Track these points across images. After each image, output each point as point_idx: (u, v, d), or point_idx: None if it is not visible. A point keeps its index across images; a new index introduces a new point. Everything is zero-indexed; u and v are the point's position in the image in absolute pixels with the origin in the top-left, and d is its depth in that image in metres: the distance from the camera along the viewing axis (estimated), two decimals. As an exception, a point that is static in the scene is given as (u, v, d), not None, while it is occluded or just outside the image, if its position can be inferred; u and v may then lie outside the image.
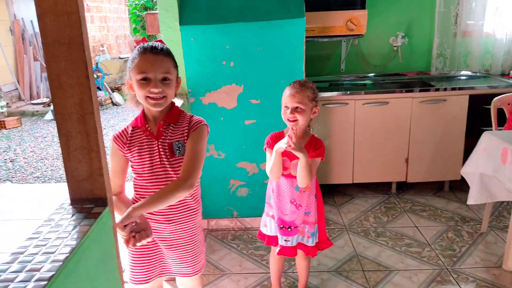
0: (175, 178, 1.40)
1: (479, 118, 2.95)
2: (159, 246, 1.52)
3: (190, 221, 1.50)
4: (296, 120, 1.71)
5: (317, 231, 1.88)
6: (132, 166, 1.46)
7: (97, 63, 8.02)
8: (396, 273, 2.27)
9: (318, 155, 1.75)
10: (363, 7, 2.95)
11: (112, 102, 7.76)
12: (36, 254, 0.87)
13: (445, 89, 2.98)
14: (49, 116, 6.84)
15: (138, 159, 1.42)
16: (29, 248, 0.89)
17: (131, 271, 1.54)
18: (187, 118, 1.46)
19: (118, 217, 1.29)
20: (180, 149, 1.41)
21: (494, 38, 3.34)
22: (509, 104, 2.38)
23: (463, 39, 3.34)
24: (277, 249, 1.88)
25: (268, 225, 1.92)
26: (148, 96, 1.34)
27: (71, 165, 1.08)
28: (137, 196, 1.48)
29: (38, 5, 0.94)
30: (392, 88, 3.11)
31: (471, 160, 2.05)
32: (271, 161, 1.77)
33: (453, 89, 2.98)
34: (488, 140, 1.94)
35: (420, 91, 2.98)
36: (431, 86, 3.05)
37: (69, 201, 1.12)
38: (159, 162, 1.41)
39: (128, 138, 1.43)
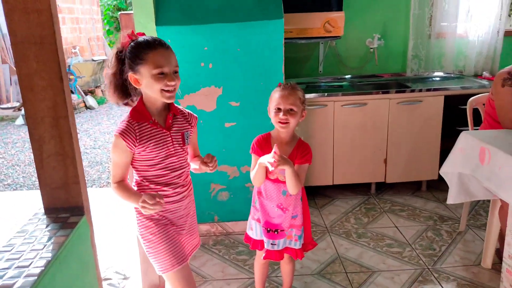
0: (186, 165, 1.54)
1: (454, 118, 3.01)
2: (175, 227, 1.55)
3: (192, 193, 1.64)
4: (288, 122, 1.67)
5: (303, 233, 1.86)
6: (140, 160, 1.45)
7: (69, 66, 7.80)
8: (379, 274, 2.28)
9: (306, 161, 1.73)
10: (340, 9, 2.97)
11: (85, 105, 7.56)
12: (8, 268, 0.81)
13: (420, 90, 3.03)
14: (20, 121, 6.60)
15: (152, 152, 1.43)
16: (0, 263, 0.83)
17: (165, 258, 1.50)
18: (181, 109, 1.56)
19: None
20: (188, 138, 1.53)
21: (467, 40, 3.42)
22: (484, 104, 2.43)
23: (437, 41, 3.41)
24: (263, 254, 1.85)
25: (254, 229, 1.89)
26: (163, 90, 1.38)
27: (45, 172, 1.02)
28: (146, 187, 1.48)
29: (5, 1, 0.88)
30: (369, 89, 3.14)
31: (449, 160, 2.08)
32: (254, 170, 1.73)
33: (428, 90, 3.03)
34: (465, 140, 1.97)
35: (397, 92, 3.01)
36: (407, 88, 3.09)
37: (43, 210, 1.06)
38: (173, 152, 1.47)
39: (137, 134, 1.40)
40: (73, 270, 1.00)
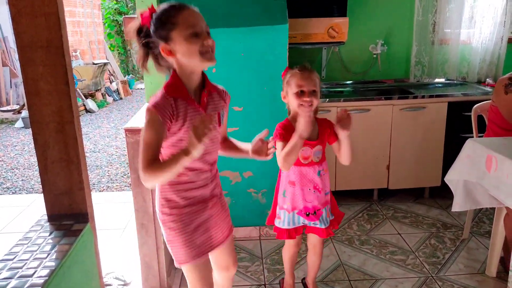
0: (217, 148, 1.45)
1: (457, 125, 3.00)
2: (201, 213, 1.46)
3: (218, 178, 1.55)
4: (312, 104, 1.63)
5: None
6: (172, 141, 1.32)
7: (70, 69, 7.78)
8: (382, 282, 2.25)
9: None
10: (344, 14, 2.96)
11: (85, 109, 7.54)
12: (10, 278, 0.78)
13: (423, 97, 3.01)
14: (20, 123, 6.58)
15: (185, 133, 1.30)
16: (2, 272, 0.81)
17: (181, 251, 1.43)
18: (215, 85, 1.45)
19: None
20: (223, 118, 1.44)
21: (470, 46, 3.42)
22: (488, 112, 2.41)
23: (441, 47, 3.40)
24: (292, 241, 1.91)
25: (282, 217, 1.86)
26: (202, 51, 1.27)
27: (49, 178, 1.00)
28: (177, 177, 1.37)
29: (12, 4, 0.86)
30: (372, 95, 3.12)
31: (455, 167, 2.06)
32: (291, 148, 1.64)
33: (431, 96, 3.02)
34: (472, 147, 1.95)
35: (400, 98, 3.00)
36: (411, 94, 3.08)
37: (46, 217, 1.04)
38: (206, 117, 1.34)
39: (174, 109, 1.28)
40: (77, 279, 0.98)
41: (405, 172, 3.12)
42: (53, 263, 0.87)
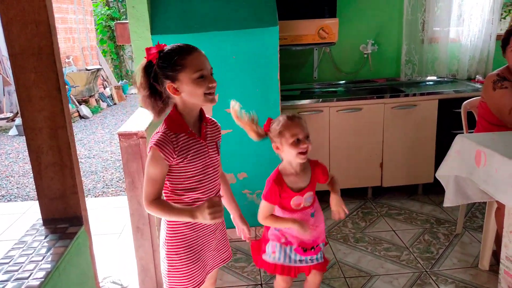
0: (218, 176, 1.51)
1: (448, 121, 3.03)
2: (205, 245, 1.51)
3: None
4: (308, 150, 1.63)
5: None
6: (175, 174, 1.38)
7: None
8: (377, 278, 2.28)
9: (328, 174, 1.79)
10: (333, 15, 2.99)
11: (79, 115, 7.54)
12: (7, 281, 0.80)
13: (414, 95, 3.05)
14: (14, 131, 6.56)
15: (190, 163, 1.38)
16: (-1, 275, 0.82)
17: (183, 280, 1.46)
18: (210, 118, 1.53)
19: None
20: (220, 147, 1.52)
21: (459, 44, 3.46)
22: (477, 108, 2.45)
23: (430, 46, 3.44)
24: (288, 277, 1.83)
25: (277, 252, 1.78)
26: (206, 93, 1.34)
27: (43, 183, 1.02)
28: (177, 200, 1.42)
29: (3, 13, 0.88)
30: (364, 94, 3.15)
31: (445, 163, 2.09)
32: (277, 224, 1.71)
33: (422, 94, 3.06)
34: (461, 143, 1.98)
35: (391, 97, 3.03)
36: (402, 92, 3.12)
37: (41, 221, 1.05)
38: (210, 163, 1.44)
39: (175, 145, 1.34)
40: (73, 281, 1.00)
41: (398, 170, 3.15)
42: (48, 265, 0.88)
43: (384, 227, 2.83)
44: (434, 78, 3.54)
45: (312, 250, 1.77)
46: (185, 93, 1.33)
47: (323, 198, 3.22)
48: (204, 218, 1.29)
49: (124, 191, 3.98)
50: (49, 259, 0.91)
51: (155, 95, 1.34)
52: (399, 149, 3.11)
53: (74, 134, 7.02)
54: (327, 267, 2.36)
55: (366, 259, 2.46)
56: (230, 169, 2.64)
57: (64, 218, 1.11)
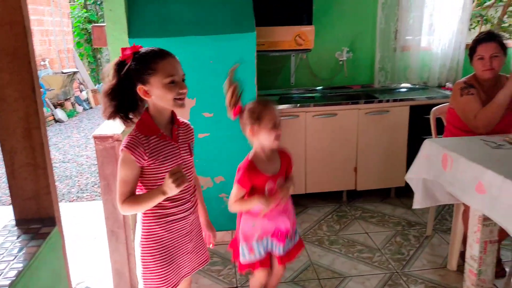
0: (192, 177, 1.53)
1: (420, 127, 3.14)
2: (181, 247, 1.52)
3: (197, 209, 1.62)
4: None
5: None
6: (148, 176, 1.40)
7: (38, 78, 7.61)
8: (350, 279, 2.33)
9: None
10: (310, 23, 3.06)
11: (54, 119, 7.40)
12: (-22, 280, 0.80)
13: (387, 101, 3.15)
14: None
15: (161, 165, 1.40)
16: (-31, 275, 0.82)
17: (157, 281, 1.47)
18: (182, 120, 1.55)
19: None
20: (193, 148, 1.55)
21: (430, 52, 3.59)
22: (446, 114, 2.55)
23: (403, 54, 3.56)
24: (261, 271, 1.87)
25: (255, 250, 1.83)
26: (176, 98, 1.36)
27: (16, 183, 1.02)
28: (158, 206, 1.43)
29: (-22, 14, 0.89)
30: (339, 100, 3.23)
31: (414, 166, 2.17)
32: (245, 207, 1.77)
33: (395, 100, 3.16)
34: (429, 147, 2.06)
35: (365, 103, 3.12)
36: (375, 98, 3.21)
37: (14, 222, 1.05)
38: (182, 164, 1.46)
39: (146, 147, 1.37)
40: (45, 280, 1.00)
41: (372, 174, 3.24)
42: (20, 265, 0.89)
43: (358, 229, 2.90)
44: (407, 85, 3.66)
45: (286, 237, 1.84)
46: (155, 97, 1.36)
47: (299, 202, 3.29)
48: (171, 189, 1.30)
49: (99, 196, 3.93)
50: (21, 258, 0.92)
51: (117, 93, 1.35)
52: (373, 153, 3.20)
53: (49, 138, 6.88)
54: (302, 269, 2.43)
55: (339, 261, 2.52)
56: (207, 173, 2.66)
57: (37, 218, 1.11)
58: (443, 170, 1.94)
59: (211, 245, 1.73)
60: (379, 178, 3.26)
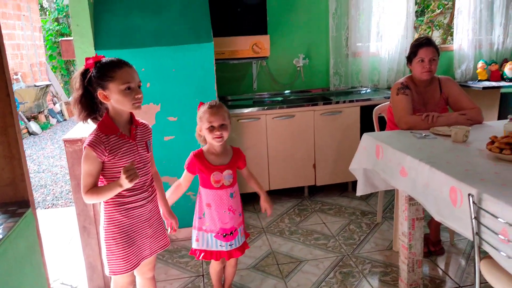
0: (149, 172, 1.75)
1: (370, 125, 3.42)
2: (140, 231, 1.72)
3: (156, 199, 1.83)
4: (223, 136, 1.91)
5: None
6: (109, 169, 1.60)
7: (10, 92, 7.64)
8: (306, 263, 2.57)
9: (246, 163, 2.07)
10: (265, 32, 3.34)
11: (28, 131, 7.44)
12: (-34, 244, 1.00)
13: (337, 102, 3.44)
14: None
15: (120, 160, 1.60)
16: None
17: (116, 263, 1.67)
18: (140, 121, 1.75)
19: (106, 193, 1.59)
20: (150, 145, 1.75)
21: (379, 57, 3.91)
22: (387, 112, 2.84)
23: (354, 59, 3.88)
24: (219, 260, 2.05)
25: (201, 240, 2.03)
26: (134, 102, 1.58)
27: (-5, 172, 1.22)
28: (117, 195, 1.63)
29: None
30: (299, 103, 3.50)
31: (356, 157, 2.44)
32: (175, 193, 2.05)
33: (345, 101, 3.45)
34: (366, 140, 2.34)
35: (320, 104, 3.40)
36: (330, 100, 3.49)
37: (-7, 205, 1.25)
38: (139, 160, 1.67)
39: (106, 145, 1.56)
40: (21, 250, 1.20)
41: (329, 170, 3.51)
42: (0, 236, 1.09)
43: (316, 220, 3.16)
44: (360, 88, 3.97)
45: (231, 235, 2.02)
46: (114, 100, 1.58)
47: (255, 197, 3.51)
48: (125, 183, 1.50)
49: (74, 203, 4.06)
50: (0, 231, 1.12)
51: (87, 98, 1.59)
52: (329, 151, 3.47)
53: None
54: (263, 257, 2.66)
55: (297, 248, 2.76)
56: (174, 173, 2.87)
57: (14, 202, 1.31)
58: (376, 159, 2.21)
59: (174, 231, 1.94)
60: (336, 174, 3.54)
